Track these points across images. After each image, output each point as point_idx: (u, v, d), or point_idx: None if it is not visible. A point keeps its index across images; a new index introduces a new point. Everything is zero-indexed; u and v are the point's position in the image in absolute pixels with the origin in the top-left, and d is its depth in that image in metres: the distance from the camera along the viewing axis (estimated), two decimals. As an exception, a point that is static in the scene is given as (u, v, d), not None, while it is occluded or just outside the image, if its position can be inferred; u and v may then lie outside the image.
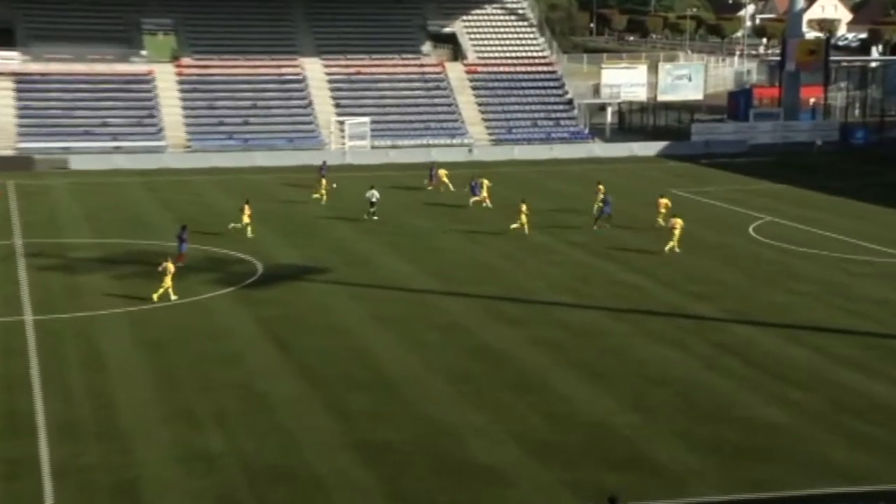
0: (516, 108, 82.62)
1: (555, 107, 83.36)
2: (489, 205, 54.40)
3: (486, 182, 55.51)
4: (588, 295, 37.97)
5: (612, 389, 28.27)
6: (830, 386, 28.72)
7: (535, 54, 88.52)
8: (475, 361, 30.55)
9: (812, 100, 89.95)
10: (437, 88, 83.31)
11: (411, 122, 79.66)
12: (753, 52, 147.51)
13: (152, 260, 40.09)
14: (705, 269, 42.05)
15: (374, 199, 51.68)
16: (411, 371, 29.73)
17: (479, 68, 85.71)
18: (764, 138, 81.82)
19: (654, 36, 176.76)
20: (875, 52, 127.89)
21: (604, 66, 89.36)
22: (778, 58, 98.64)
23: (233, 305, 36.16)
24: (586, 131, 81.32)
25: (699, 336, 33.06)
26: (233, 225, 47.20)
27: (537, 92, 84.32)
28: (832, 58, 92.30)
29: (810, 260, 43.67)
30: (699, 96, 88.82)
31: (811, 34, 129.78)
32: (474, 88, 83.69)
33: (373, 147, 75.86)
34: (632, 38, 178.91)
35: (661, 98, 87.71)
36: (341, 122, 76.69)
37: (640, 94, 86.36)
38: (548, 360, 30.63)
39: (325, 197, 56.16)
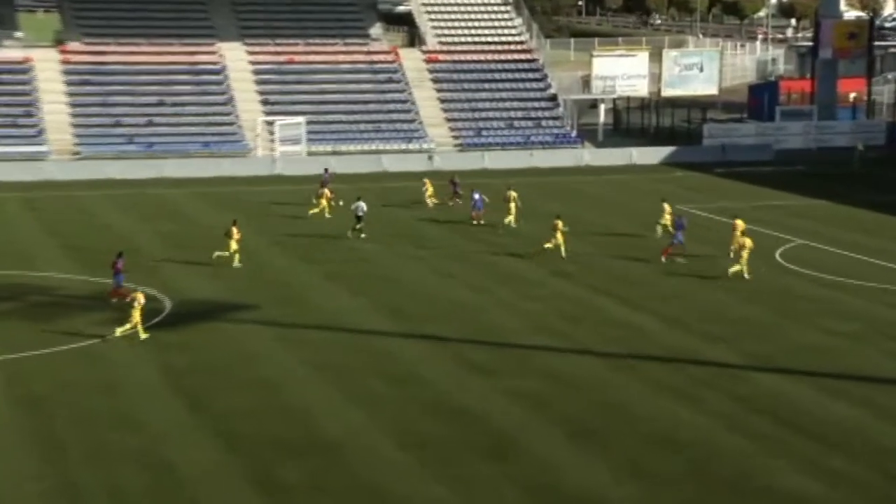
0: (487, 105, 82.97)
1: (535, 104, 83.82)
2: (511, 223, 54.67)
3: (513, 194, 55.55)
4: (577, 337, 38.04)
5: (607, 455, 28.30)
6: (878, 450, 28.86)
7: (510, 39, 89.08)
8: (437, 421, 30.48)
9: (852, 95, 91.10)
10: (390, 81, 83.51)
11: (357, 122, 79.76)
12: (780, 36, 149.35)
13: (30, 297, 39.66)
14: (722, 304, 42.26)
15: (360, 213, 52.32)
16: (357, 434, 29.61)
17: (442, 56, 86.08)
18: (793, 142, 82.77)
19: (657, 16, 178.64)
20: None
21: (595, 53, 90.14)
22: (810, 43, 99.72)
23: (132, 352, 35.91)
24: (574, 134, 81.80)
25: (714, 387, 33.18)
26: (217, 254, 47.10)
27: (513, 86, 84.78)
28: (877, 43, 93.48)
29: (852, 293, 43.97)
30: (713, 90, 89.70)
31: (851, 13, 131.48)
32: (435, 81, 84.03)
33: (309, 153, 75.88)
34: (630, 18, 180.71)
35: (667, 93, 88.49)
36: (270, 123, 76.67)
37: (641, 89, 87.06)
38: (527, 419, 30.62)
39: (327, 211, 56.79)
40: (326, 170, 64.09)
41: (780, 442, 29.18)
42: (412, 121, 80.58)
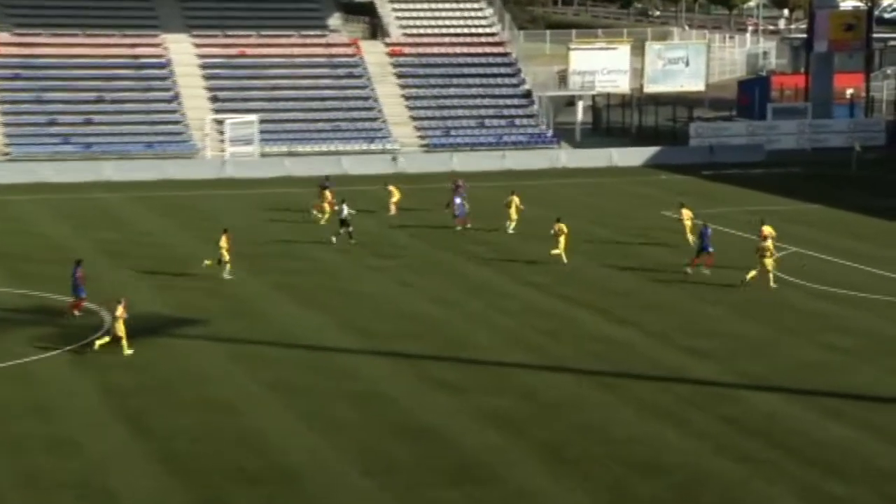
0: (456, 102, 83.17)
1: (508, 101, 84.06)
2: (510, 228, 55.27)
3: (515, 199, 56.07)
4: (554, 353, 38.10)
5: (586, 481, 28.35)
6: (879, 474, 29.03)
7: (480, 31, 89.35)
8: (403, 444, 30.52)
9: (850, 91, 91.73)
10: (350, 76, 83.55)
11: (315, 121, 79.76)
12: (771, 28, 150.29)
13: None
14: (712, 318, 42.44)
15: (344, 216, 52.71)
16: (316, 458, 29.58)
17: (407, 49, 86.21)
18: (786, 142, 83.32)
19: (639, 6, 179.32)
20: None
21: (572, 46, 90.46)
22: (804, 35, 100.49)
23: (69, 372, 35.75)
24: (550, 133, 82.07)
25: (704, 408, 33.31)
26: (207, 262, 47.03)
27: (484, 81, 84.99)
28: (876, 35, 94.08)
29: (852, 305, 44.25)
30: (700, 87, 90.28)
31: (848, 3, 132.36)
32: (400, 76, 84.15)
33: (262, 155, 75.80)
34: (610, 8, 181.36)
35: (650, 89, 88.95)
36: (219, 122, 76.55)
37: (622, 85, 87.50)
38: (500, 441, 30.68)
39: (326, 217, 57.17)
40: (328, 177, 63.44)
41: (773, 466, 29.32)
42: (374, 119, 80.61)
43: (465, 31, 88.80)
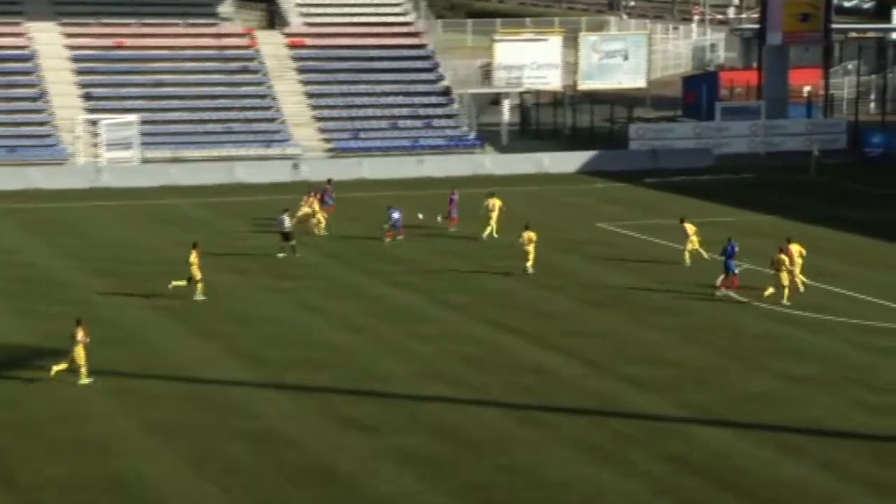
0: (366, 101, 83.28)
1: (424, 99, 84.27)
2: (493, 234, 56.73)
3: (496, 202, 57.40)
4: (478, 385, 38.12)
5: (517, 529, 28.43)
6: (841, 517, 29.46)
7: (393, 19, 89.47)
8: (304, 490, 30.39)
9: (807, 88, 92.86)
10: (245, 71, 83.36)
11: (204, 122, 79.47)
12: (720, 17, 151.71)
13: None
14: (655, 344, 42.66)
15: (286, 228, 53.20)
16: (206, 508, 29.41)
17: (309, 40, 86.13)
18: (737, 146, 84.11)
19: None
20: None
21: (497, 37, 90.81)
22: (756, 26, 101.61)
23: (-79, 411, 35.33)
24: (472, 136, 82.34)
25: (645, 445, 33.47)
26: (175, 283, 46.98)
27: (398, 77, 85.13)
28: (836, 25, 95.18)
29: (812, 329, 44.64)
30: (641, 83, 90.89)
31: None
32: (301, 72, 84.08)
33: (143, 161, 75.31)
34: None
35: (585, 86, 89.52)
36: (93, 123, 76.00)
37: (553, 81, 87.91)
38: (418, 487, 30.66)
39: (322, 224, 58.05)
40: (330, 181, 63.53)
41: (723, 510, 29.56)
42: (272, 120, 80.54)
43: (376, 19, 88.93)
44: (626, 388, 37.95)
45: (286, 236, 53.79)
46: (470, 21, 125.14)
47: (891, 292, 49.01)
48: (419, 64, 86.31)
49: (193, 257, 47.00)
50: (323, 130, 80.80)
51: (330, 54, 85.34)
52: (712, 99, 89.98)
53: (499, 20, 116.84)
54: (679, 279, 50.89)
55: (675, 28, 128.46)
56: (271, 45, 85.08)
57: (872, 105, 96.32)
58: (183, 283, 47.08)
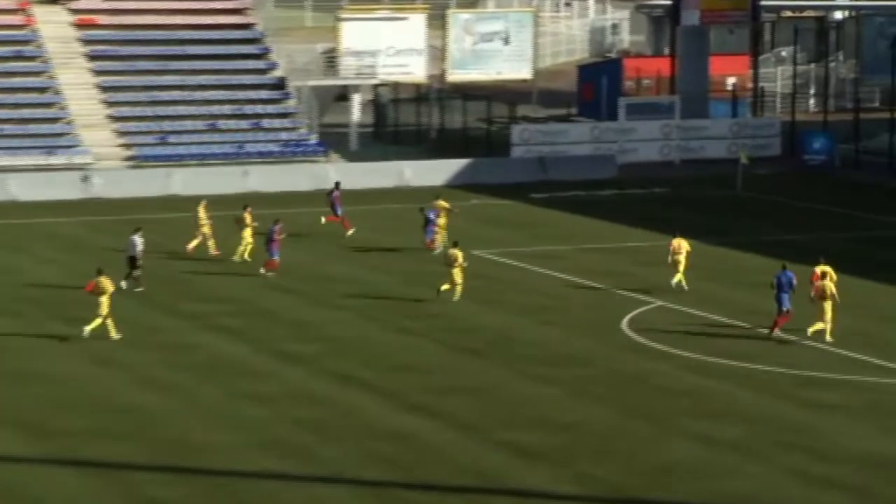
0: (177, 96, 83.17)
1: (252, 94, 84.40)
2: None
3: (443, 203, 60.96)
4: (322, 456, 37.89)
5: None
6: None
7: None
8: None
9: (732, 80, 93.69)
10: (19, 57, 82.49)
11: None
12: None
13: None
14: (544, 400, 42.60)
15: (137, 252, 53.61)
16: None
17: (102, 20, 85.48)
18: (646, 152, 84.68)
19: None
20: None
21: (344, 15, 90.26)
22: (668, 2, 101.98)
23: None
24: (314, 140, 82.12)
25: (535, 532, 33.20)
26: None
27: (218, 65, 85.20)
28: (767, 3, 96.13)
29: (739, 381, 44.71)
30: (525, 74, 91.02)
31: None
32: (93, 58, 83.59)
33: None
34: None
35: (455, 77, 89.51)
36: None
37: (416, 71, 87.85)
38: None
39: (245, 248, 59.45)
40: (337, 184, 65.08)
41: None
42: (55, 120, 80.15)
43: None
44: (509, 460, 37.73)
45: (133, 262, 53.37)
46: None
47: (837, 335, 48.96)
48: (244, 49, 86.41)
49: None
50: (121, 133, 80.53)
51: (129, 36, 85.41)
52: (614, 94, 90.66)
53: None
54: (575, 319, 50.84)
55: (568, 4, 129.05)
56: (53, 24, 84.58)
57: (812, 101, 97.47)
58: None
